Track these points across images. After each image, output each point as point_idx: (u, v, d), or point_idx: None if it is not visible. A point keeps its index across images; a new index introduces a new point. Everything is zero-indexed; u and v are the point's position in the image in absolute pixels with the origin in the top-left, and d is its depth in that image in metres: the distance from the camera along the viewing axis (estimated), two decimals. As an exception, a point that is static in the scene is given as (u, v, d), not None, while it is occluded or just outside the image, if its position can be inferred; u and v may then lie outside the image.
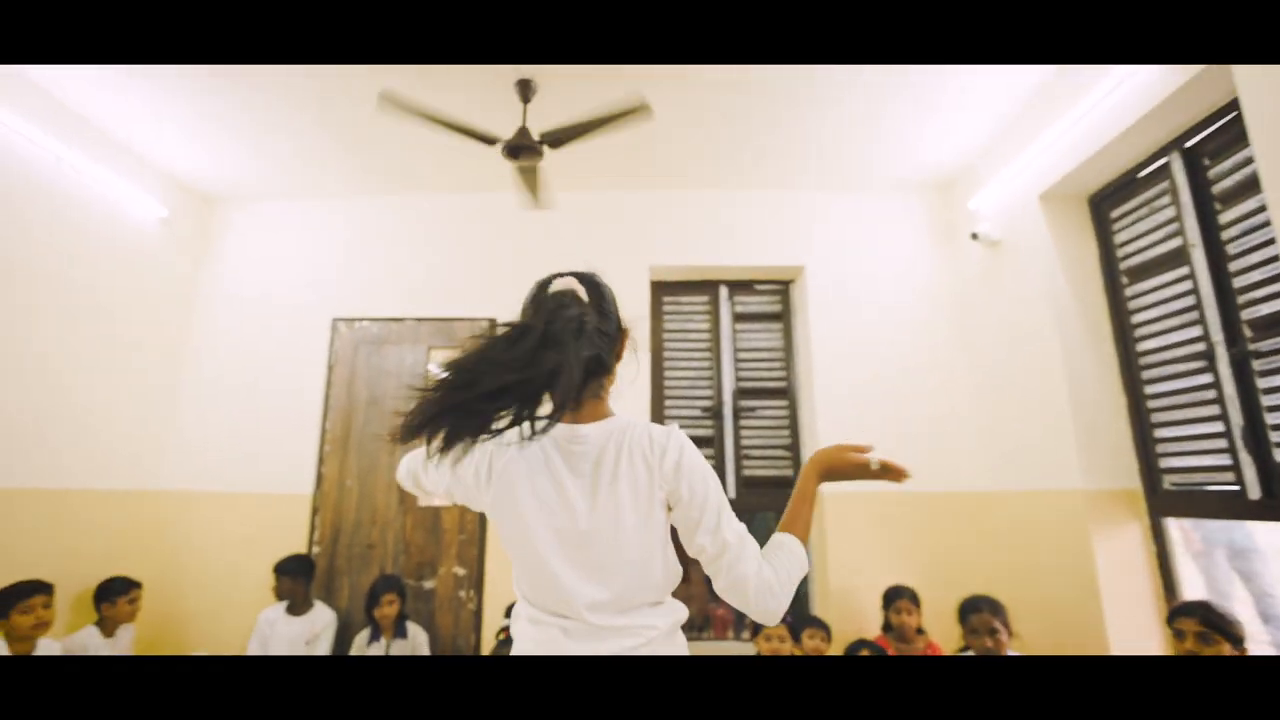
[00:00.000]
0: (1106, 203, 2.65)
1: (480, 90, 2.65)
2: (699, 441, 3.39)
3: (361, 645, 2.87)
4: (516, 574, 0.99)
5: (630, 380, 1.08)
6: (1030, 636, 2.46)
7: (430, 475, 1.08)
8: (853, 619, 2.94)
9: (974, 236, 3.13)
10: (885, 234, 3.51)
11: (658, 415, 3.47)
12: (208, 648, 3.06)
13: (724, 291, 3.65)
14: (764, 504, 3.42)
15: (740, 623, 3.35)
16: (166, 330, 3.39)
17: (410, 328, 3.51)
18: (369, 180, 3.53)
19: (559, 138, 2.58)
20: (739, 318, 3.62)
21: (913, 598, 2.74)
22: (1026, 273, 2.83)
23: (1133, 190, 2.50)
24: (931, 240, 3.49)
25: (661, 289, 3.66)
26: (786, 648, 2.49)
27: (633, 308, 3.47)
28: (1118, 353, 2.57)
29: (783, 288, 3.66)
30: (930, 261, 3.46)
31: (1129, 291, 2.53)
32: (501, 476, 0.96)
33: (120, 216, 3.11)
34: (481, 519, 3.26)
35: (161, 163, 3.28)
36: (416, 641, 2.95)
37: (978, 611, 2.28)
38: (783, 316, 3.62)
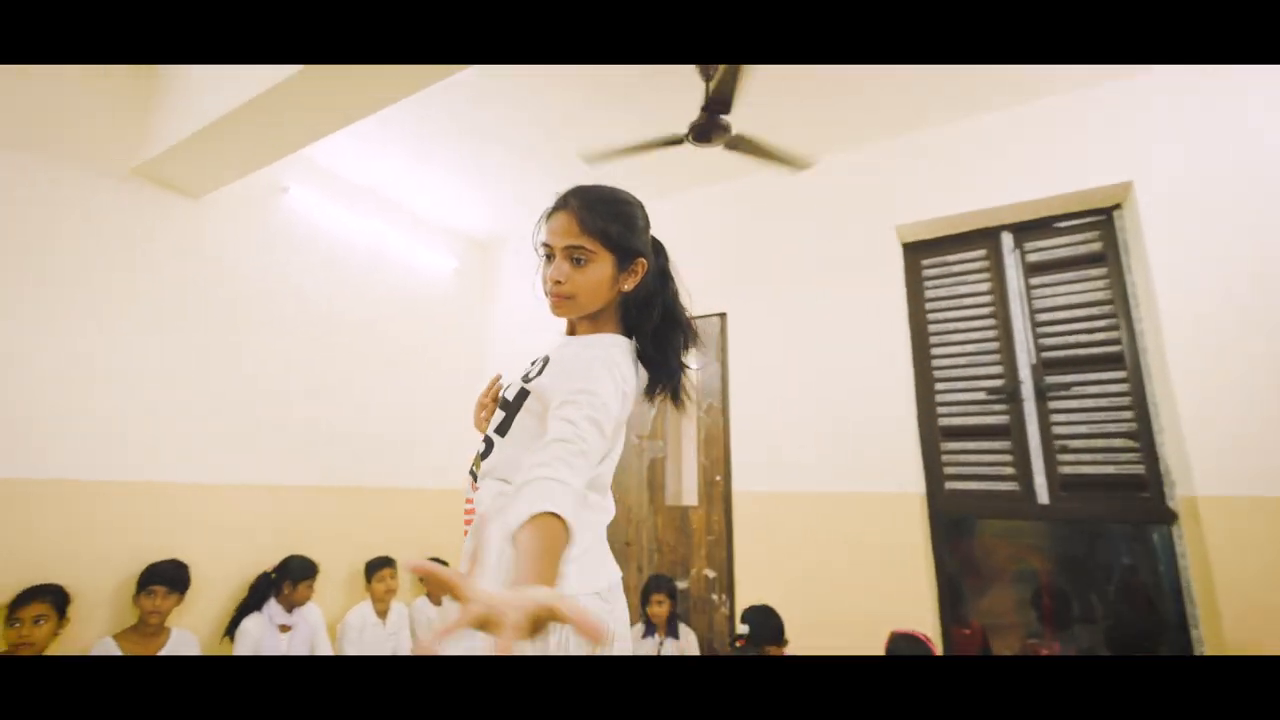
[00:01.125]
0: None
1: (665, 78, 2.57)
2: (988, 431, 2.70)
3: (636, 638, 2.94)
4: (605, 505, 1.04)
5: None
6: None
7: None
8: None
9: None
10: (1273, 112, 2.31)
11: (926, 403, 2.85)
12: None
13: (1007, 240, 2.84)
14: (1094, 511, 2.53)
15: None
16: (464, 359, 4.07)
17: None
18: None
19: (715, 102, 2.33)
20: (1033, 269, 2.77)
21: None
22: None
23: None
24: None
25: (917, 250, 3.02)
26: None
27: (882, 276, 2.84)
28: None
29: (1102, 218, 2.69)
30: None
31: None
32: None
33: (426, 272, 3.89)
34: (727, 518, 3.10)
35: (452, 226, 4.07)
36: (687, 642, 2.93)
37: None
38: (1104, 257, 2.65)
